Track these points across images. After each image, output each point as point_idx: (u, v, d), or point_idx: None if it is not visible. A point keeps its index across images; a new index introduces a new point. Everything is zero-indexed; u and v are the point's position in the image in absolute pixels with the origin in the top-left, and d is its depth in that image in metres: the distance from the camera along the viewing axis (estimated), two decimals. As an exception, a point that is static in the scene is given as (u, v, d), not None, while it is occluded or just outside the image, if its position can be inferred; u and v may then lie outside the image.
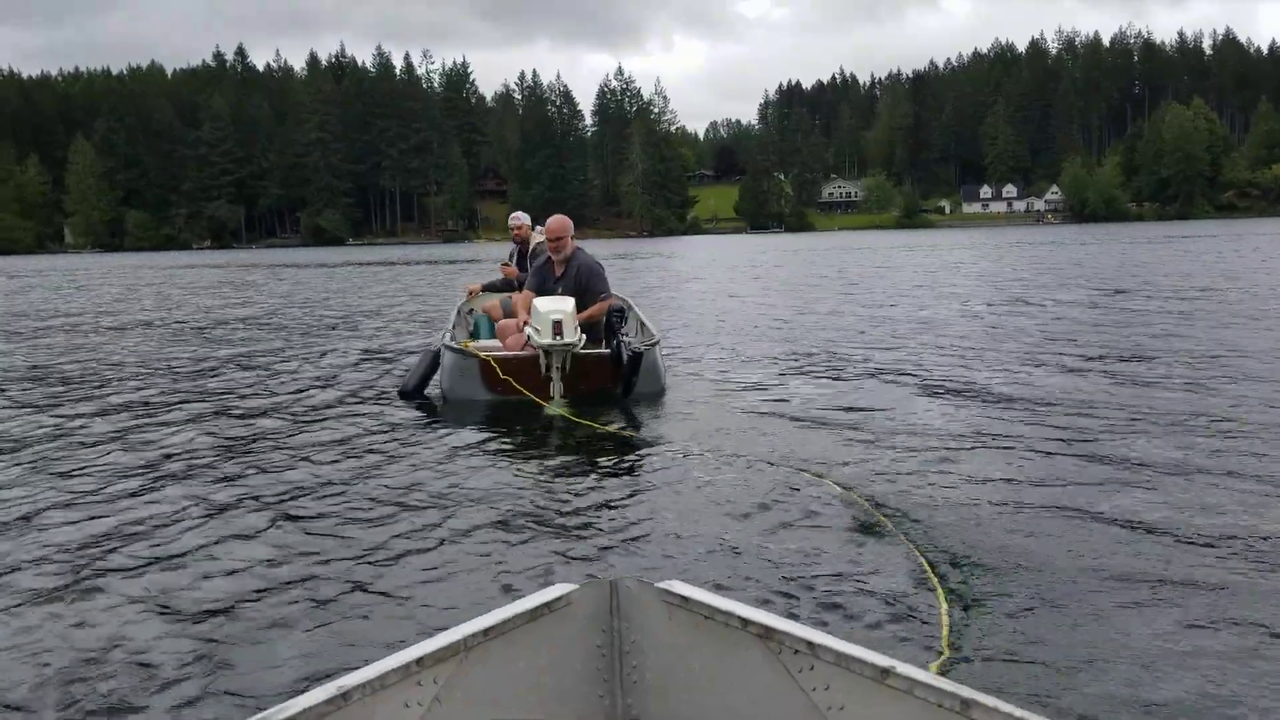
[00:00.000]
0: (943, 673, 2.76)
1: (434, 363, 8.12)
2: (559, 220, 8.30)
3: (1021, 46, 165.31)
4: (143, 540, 4.43)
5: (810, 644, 1.65)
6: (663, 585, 1.89)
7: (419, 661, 1.64)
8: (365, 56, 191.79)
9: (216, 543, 4.34)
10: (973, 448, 5.80)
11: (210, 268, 47.89)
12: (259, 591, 3.77)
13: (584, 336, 7.40)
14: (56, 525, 4.68)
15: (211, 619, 3.49)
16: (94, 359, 11.56)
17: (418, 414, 7.51)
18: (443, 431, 6.71)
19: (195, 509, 4.88)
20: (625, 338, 7.63)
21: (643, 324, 9.22)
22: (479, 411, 7.31)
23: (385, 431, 6.78)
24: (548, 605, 1.84)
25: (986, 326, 12.42)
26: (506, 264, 10.51)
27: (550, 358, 7.23)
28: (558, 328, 7.12)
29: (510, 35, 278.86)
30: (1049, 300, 15.86)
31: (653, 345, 7.93)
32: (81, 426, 7.25)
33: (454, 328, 9.38)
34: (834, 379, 8.67)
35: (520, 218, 10.50)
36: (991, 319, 13.21)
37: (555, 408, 7.12)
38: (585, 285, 7.93)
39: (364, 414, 7.46)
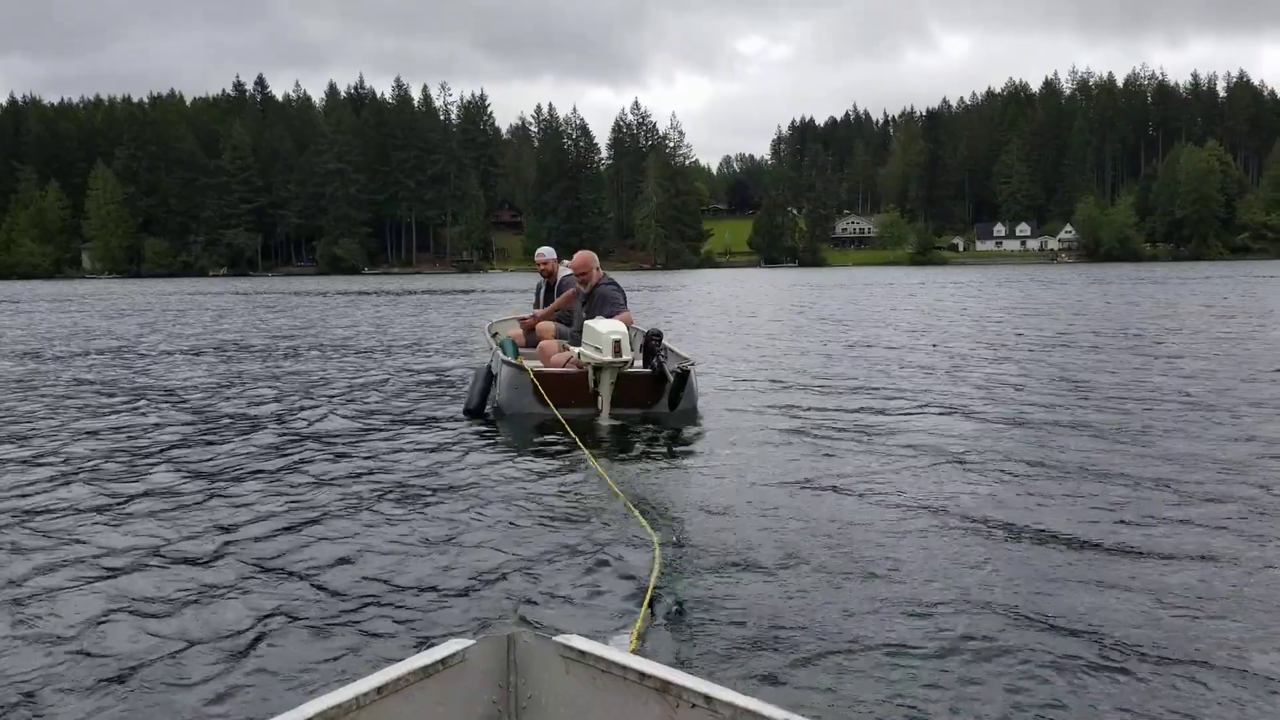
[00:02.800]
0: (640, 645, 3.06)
1: (489, 380, 8.64)
2: (582, 256, 9.17)
3: (1035, 86, 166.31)
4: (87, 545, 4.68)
5: (708, 698, 1.64)
6: (560, 639, 1.87)
7: None
8: (382, 89, 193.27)
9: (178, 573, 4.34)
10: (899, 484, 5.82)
11: (236, 294, 48.09)
12: (181, 617, 3.76)
13: (635, 355, 8.04)
14: (93, 525, 5.00)
15: (116, 651, 3.45)
16: (139, 380, 11.39)
17: (465, 432, 7.75)
18: (466, 452, 6.92)
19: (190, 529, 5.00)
20: (664, 358, 8.21)
21: (669, 349, 9.46)
22: (524, 429, 7.61)
23: (424, 450, 7.01)
24: (442, 662, 1.79)
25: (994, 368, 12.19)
26: (523, 318, 10.80)
27: (600, 374, 7.79)
28: (617, 347, 7.64)
29: (514, 70, 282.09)
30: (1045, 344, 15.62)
31: (692, 367, 8.48)
32: (136, 440, 7.54)
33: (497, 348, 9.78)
34: (840, 412, 8.64)
35: (547, 253, 10.65)
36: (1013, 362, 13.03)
37: (606, 420, 7.70)
38: (606, 311, 8.68)
39: (422, 434, 7.73)
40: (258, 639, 3.55)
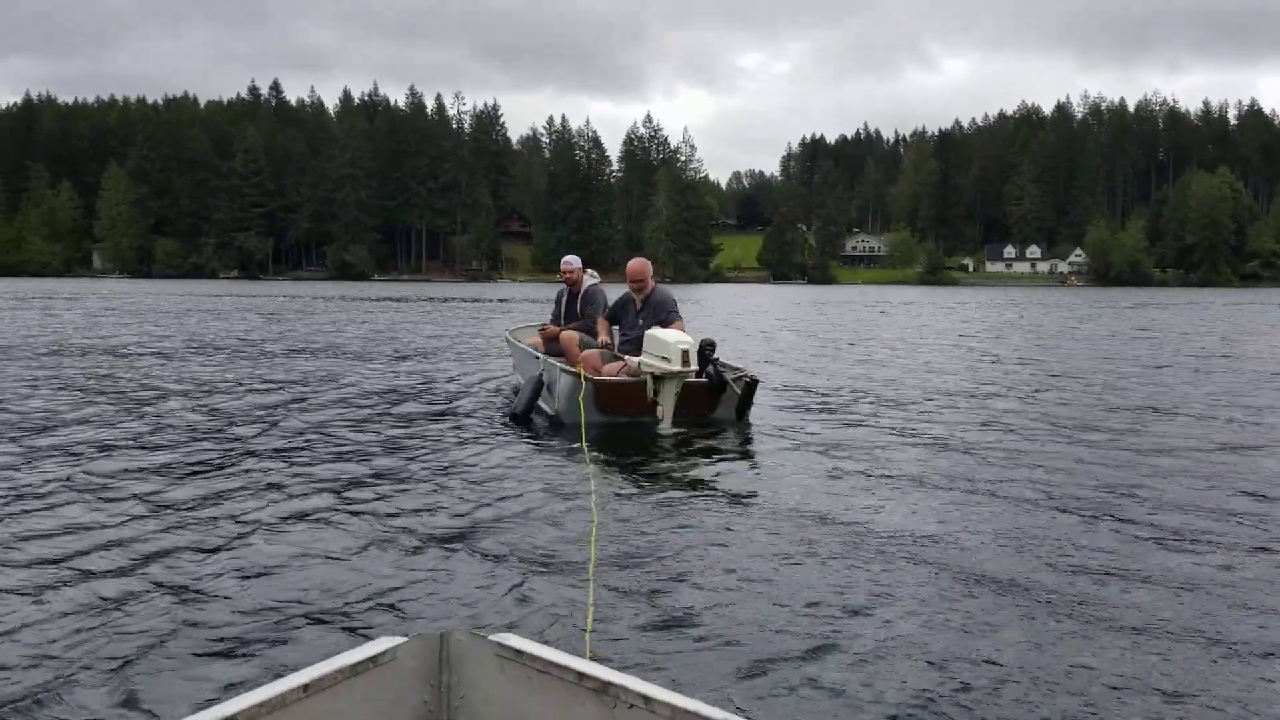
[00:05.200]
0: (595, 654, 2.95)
1: (538, 388, 8.61)
2: (639, 263, 9.25)
3: (1046, 109, 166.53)
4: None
5: (646, 698, 1.61)
6: (495, 638, 1.82)
7: (232, 718, 1.52)
8: (395, 97, 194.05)
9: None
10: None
11: (257, 298, 47.78)
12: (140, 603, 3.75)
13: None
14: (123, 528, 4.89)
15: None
16: (183, 377, 11.11)
17: (511, 437, 7.77)
18: (507, 453, 6.93)
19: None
20: (720, 368, 8.22)
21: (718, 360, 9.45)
22: (575, 434, 7.52)
23: (475, 454, 6.99)
24: (372, 659, 1.74)
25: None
26: (545, 326, 10.65)
27: (663, 383, 7.82)
28: (685, 357, 7.66)
29: (514, 80, 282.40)
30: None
31: (759, 379, 8.52)
32: (176, 439, 7.42)
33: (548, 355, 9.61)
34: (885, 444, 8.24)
35: (573, 261, 10.48)
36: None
37: (666, 428, 7.78)
38: (661, 317, 8.80)
39: (475, 438, 7.69)
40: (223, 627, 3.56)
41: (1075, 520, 5.20)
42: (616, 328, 9.59)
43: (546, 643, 1.86)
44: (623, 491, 5.79)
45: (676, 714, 1.57)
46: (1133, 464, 6.84)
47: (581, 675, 1.69)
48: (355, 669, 1.72)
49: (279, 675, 1.69)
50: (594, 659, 1.81)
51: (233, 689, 2.90)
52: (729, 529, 4.99)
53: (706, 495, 5.79)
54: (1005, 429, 8.42)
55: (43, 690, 2.98)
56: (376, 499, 5.52)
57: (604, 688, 1.66)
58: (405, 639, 1.82)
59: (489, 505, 5.38)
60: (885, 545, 4.68)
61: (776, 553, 4.56)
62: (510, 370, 12.08)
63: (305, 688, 1.63)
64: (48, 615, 3.63)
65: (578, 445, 7.02)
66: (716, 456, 7.01)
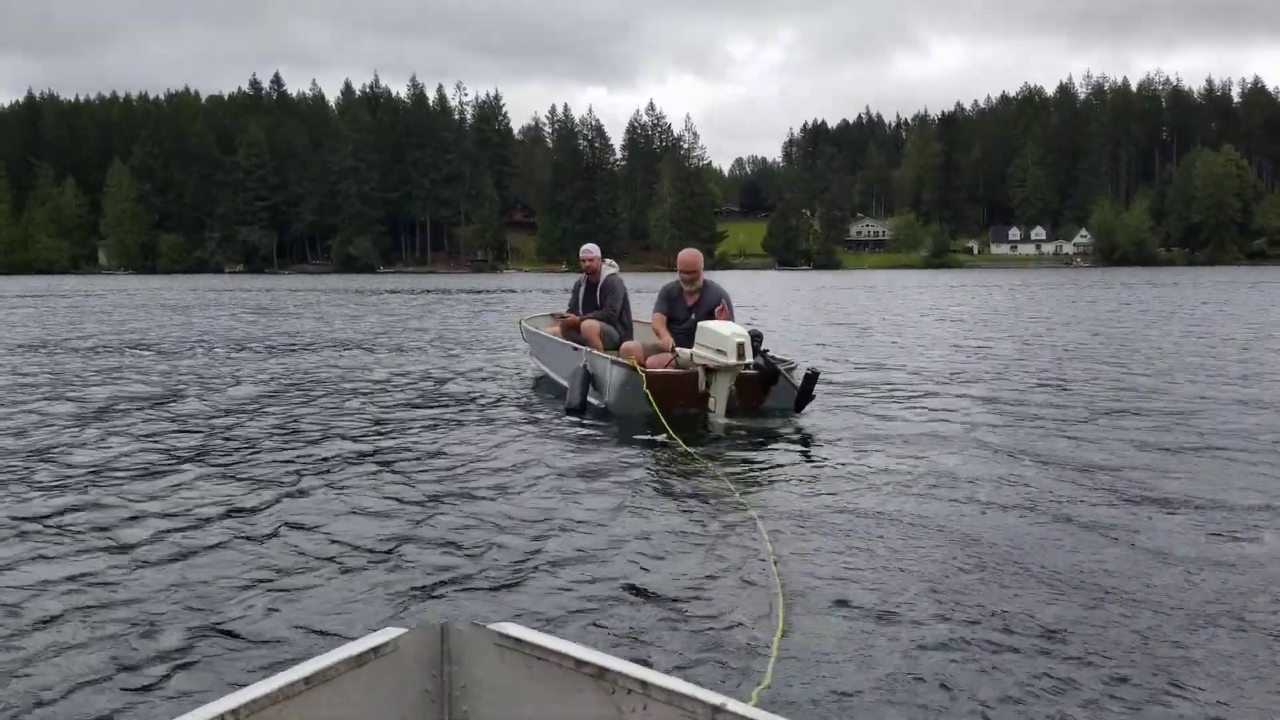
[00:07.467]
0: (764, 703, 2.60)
1: (586, 379, 8.53)
2: (694, 255, 9.05)
3: (1049, 90, 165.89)
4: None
5: (643, 683, 1.63)
6: (495, 627, 1.85)
7: (234, 712, 1.53)
8: (397, 89, 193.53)
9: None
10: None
11: (287, 291, 47.82)
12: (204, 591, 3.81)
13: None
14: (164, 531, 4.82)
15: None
16: (239, 375, 11.31)
17: (566, 428, 7.69)
18: (543, 449, 6.82)
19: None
20: (771, 358, 8.11)
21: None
22: (630, 425, 7.53)
23: (521, 444, 6.98)
24: (374, 650, 1.77)
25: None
26: (563, 316, 10.67)
27: (716, 376, 7.78)
28: (740, 350, 7.58)
29: (506, 70, 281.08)
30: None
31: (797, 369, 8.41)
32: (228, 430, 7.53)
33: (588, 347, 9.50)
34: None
35: (592, 250, 10.46)
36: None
37: (719, 420, 7.70)
38: (713, 309, 8.63)
39: (531, 430, 7.63)
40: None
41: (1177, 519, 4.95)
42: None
43: (545, 630, 1.88)
44: (776, 503, 5.26)
45: (673, 698, 1.60)
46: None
47: (580, 662, 1.71)
48: (358, 660, 1.74)
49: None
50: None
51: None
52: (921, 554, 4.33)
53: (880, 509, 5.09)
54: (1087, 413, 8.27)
55: (44, 689, 2.94)
56: (480, 501, 5.30)
57: (601, 673, 1.68)
58: (407, 630, 1.84)
59: (634, 523, 4.88)
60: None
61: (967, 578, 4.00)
62: (526, 358, 12.14)
63: (307, 680, 1.64)
64: (52, 610, 3.60)
65: (662, 439, 6.91)
66: (844, 461, 6.37)
